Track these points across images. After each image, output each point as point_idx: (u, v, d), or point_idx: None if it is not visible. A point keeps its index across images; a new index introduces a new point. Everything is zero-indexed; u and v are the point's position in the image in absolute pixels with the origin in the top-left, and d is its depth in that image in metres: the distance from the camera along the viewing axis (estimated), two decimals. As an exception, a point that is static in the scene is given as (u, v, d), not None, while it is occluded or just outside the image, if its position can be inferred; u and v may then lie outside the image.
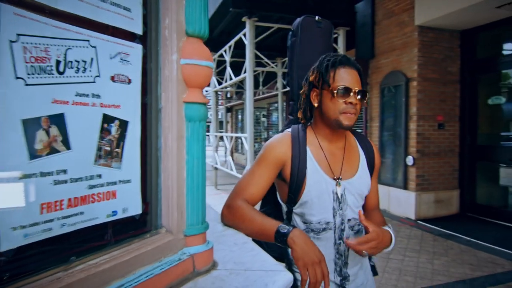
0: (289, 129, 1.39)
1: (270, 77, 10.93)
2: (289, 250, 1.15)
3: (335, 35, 7.16)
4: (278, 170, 1.32)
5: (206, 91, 11.20)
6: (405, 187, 6.16)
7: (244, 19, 6.49)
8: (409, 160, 6.04)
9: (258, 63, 8.15)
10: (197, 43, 0.87)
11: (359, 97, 1.27)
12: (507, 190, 6.10)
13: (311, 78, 1.33)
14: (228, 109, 19.99)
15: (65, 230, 0.65)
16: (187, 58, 0.85)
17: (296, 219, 1.35)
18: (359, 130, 7.80)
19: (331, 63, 1.29)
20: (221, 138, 10.33)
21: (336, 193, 1.31)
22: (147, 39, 0.84)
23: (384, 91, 6.68)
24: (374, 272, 1.50)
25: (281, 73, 9.41)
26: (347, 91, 1.25)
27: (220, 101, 17.92)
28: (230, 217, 1.28)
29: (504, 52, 6.39)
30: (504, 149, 5.73)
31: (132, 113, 0.78)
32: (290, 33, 1.55)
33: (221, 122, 19.89)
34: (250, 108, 6.76)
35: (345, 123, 1.27)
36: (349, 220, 1.33)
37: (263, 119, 14.90)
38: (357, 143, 1.46)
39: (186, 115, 0.86)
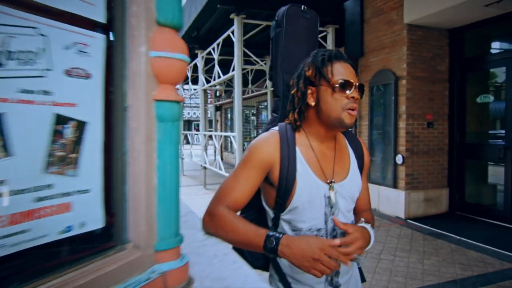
0: (276, 128, 1.29)
1: (259, 75, 10.83)
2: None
3: (324, 33, 7.10)
4: (265, 173, 1.22)
5: (195, 89, 11.07)
6: (395, 186, 6.14)
7: (232, 16, 6.38)
8: (399, 158, 6.01)
9: (247, 61, 8.05)
10: (170, 34, 0.77)
11: (359, 92, 1.20)
12: (495, 188, 6.12)
13: (307, 74, 1.22)
14: (218, 108, 19.84)
15: (6, 252, 0.54)
16: (158, 50, 0.74)
17: (284, 227, 1.26)
18: (351, 129, 7.75)
19: (327, 57, 1.20)
20: (210, 137, 10.21)
21: (329, 197, 1.22)
22: (112, 29, 0.74)
23: (373, 90, 6.64)
24: (362, 278, 1.42)
25: (270, 71, 9.31)
26: (348, 84, 1.17)
27: (209, 100, 17.76)
28: (212, 225, 1.17)
29: (492, 51, 6.41)
30: (493, 147, 5.74)
31: (91, 113, 0.67)
32: (274, 23, 1.45)
33: (210, 121, 19.73)
34: (238, 106, 6.66)
35: (348, 122, 1.18)
36: None
37: (252, 117, 14.79)
38: (347, 141, 1.38)
39: (157, 114, 0.76)
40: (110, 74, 0.72)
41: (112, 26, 0.73)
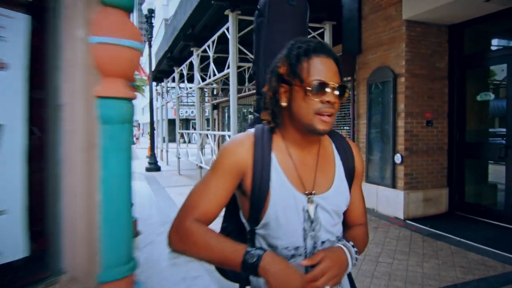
0: (253, 129, 1.14)
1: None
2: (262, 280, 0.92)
3: (321, 30, 6.95)
4: (238, 179, 1.07)
5: (190, 87, 10.90)
6: (394, 185, 6.00)
7: (227, 12, 6.22)
8: (397, 158, 5.88)
9: (243, 59, 7.88)
10: (117, 16, 0.63)
11: (337, 93, 1.02)
12: (496, 187, 5.99)
13: (280, 71, 1.06)
14: (215, 106, 19.69)
15: None
16: (101, 35, 0.61)
17: (261, 242, 1.10)
18: (347, 128, 7.68)
19: (303, 51, 1.02)
20: (207, 136, 10.06)
21: (308, 211, 1.07)
22: (41, 8, 0.59)
23: (371, 88, 6.50)
24: (352, 285, 1.27)
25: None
26: (323, 87, 0.99)
27: (206, 98, 17.59)
28: (180, 243, 1.01)
29: (493, 48, 6.27)
30: (493, 146, 5.61)
31: (9, 113, 0.53)
32: (256, 12, 1.30)
33: (208, 120, 19.58)
34: (234, 105, 6.51)
35: (320, 128, 1.01)
36: (323, 242, 1.09)
37: (250, 116, 14.66)
38: (333, 146, 1.21)
39: (101, 114, 0.62)
40: (37, 65, 0.57)
41: (40, 4, 0.59)
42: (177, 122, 13.16)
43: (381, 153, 6.31)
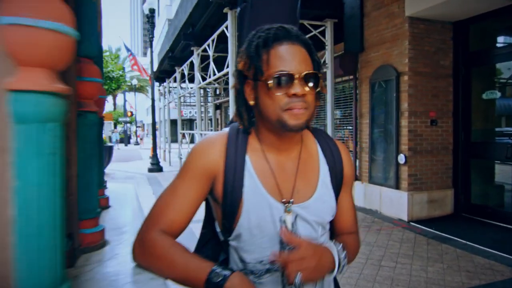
0: (227, 129, 1.02)
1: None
2: None
3: (322, 28, 6.81)
4: (208, 185, 0.96)
5: (191, 87, 10.80)
6: (397, 186, 5.86)
7: (225, 10, 6.12)
8: (401, 158, 5.74)
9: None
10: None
11: (311, 84, 0.89)
12: (503, 188, 5.83)
13: (239, 66, 0.95)
14: (217, 106, 19.60)
15: None
16: (13, 15, 0.49)
17: (234, 255, 0.99)
18: (350, 128, 7.54)
19: (262, 41, 0.91)
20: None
21: (285, 222, 0.95)
22: None
23: (374, 86, 6.36)
24: None
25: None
26: (288, 79, 0.87)
27: (209, 98, 17.50)
28: (142, 256, 0.91)
29: (499, 45, 6.11)
30: (499, 145, 5.45)
31: None
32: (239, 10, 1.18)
33: (212, 120, 19.48)
34: (233, 105, 6.40)
35: (291, 123, 0.88)
36: None
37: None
38: (319, 148, 1.08)
39: (14, 112, 0.51)
40: None
41: None
42: (179, 122, 13.08)
43: (385, 153, 6.17)
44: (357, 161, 6.93)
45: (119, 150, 27.00)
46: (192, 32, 8.47)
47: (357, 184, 6.88)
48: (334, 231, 1.14)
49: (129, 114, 35.75)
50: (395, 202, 5.90)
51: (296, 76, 0.87)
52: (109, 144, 14.70)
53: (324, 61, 6.80)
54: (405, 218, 5.67)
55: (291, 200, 0.96)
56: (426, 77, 5.76)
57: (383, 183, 6.18)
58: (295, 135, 0.98)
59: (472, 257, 4.17)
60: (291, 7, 1.20)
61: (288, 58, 0.88)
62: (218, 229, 1.03)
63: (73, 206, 1.04)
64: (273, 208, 0.95)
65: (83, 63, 1.00)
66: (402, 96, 5.74)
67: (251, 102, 0.95)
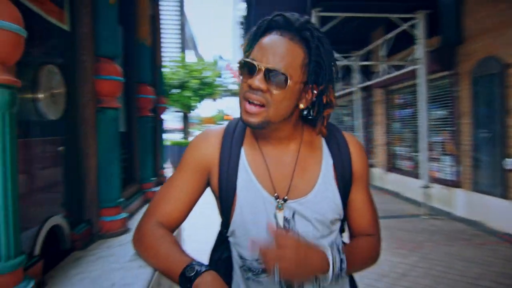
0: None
1: (345, 73, 10.24)
2: None
3: (412, 21, 6.27)
4: (204, 178, 0.95)
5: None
6: (505, 195, 5.08)
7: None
8: (508, 163, 4.96)
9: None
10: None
11: (274, 80, 0.82)
12: None
13: (242, 48, 0.92)
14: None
15: None
16: None
17: (234, 251, 0.96)
18: (448, 129, 6.74)
19: (256, 28, 0.89)
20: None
21: (277, 218, 0.89)
22: None
23: (476, 82, 5.64)
24: None
25: (358, 67, 8.67)
26: (250, 69, 0.83)
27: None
28: (137, 244, 0.94)
29: None
30: None
31: None
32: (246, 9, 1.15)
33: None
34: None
35: (243, 118, 0.85)
36: None
37: (346, 118, 14.01)
38: (323, 142, 0.99)
39: None
40: None
41: None
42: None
43: (489, 157, 5.41)
44: (459, 166, 6.20)
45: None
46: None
47: (457, 191, 6.16)
48: (351, 233, 1.04)
49: (226, 117, 37.71)
50: (501, 214, 5.13)
51: (259, 67, 0.82)
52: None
53: (416, 57, 6.25)
54: (514, 232, 4.88)
55: (285, 197, 0.91)
56: (541, 68, 4.90)
57: (488, 191, 5.42)
58: (276, 129, 0.92)
59: None
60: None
61: (265, 48, 0.84)
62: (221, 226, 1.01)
63: (93, 195, 1.12)
64: (267, 203, 0.91)
65: (102, 63, 1.09)
66: (510, 92, 4.97)
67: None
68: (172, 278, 0.82)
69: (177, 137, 19.04)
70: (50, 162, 0.94)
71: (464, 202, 6.01)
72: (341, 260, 0.86)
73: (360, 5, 6.54)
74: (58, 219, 0.92)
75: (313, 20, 6.02)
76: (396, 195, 8.31)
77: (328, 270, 0.83)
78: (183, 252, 0.85)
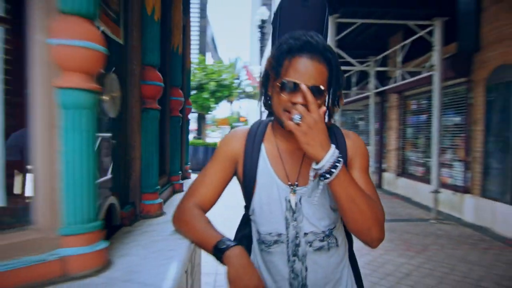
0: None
1: (361, 78, 10.33)
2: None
3: (429, 28, 6.36)
4: (232, 168, 1.19)
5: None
6: (514, 203, 5.15)
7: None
8: (519, 170, 5.03)
9: (345, 63, 7.70)
10: (75, 22, 0.78)
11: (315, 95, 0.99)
12: None
13: (266, 65, 1.11)
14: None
15: None
16: (58, 38, 0.77)
17: (253, 227, 1.20)
18: (461, 135, 6.79)
19: (286, 48, 1.03)
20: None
21: (289, 201, 1.10)
22: (13, 19, 0.78)
23: (490, 89, 5.72)
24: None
25: (374, 72, 8.76)
26: (293, 87, 1.00)
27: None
28: (176, 221, 1.18)
29: None
30: None
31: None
32: (273, 15, 1.33)
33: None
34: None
35: (286, 125, 1.00)
36: (306, 234, 1.10)
37: (360, 122, 14.06)
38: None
39: (61, 101, 0.78)
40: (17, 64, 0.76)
41: (14, 16, 0.78)
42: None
43: (501, 164, 5.48)
44: (469, 172, 6.28)
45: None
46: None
47: (467, 197, 6.24)
48: None
49: (241, 119, 37.81)
50: (510, 220, 5.20)
51: (301, 87, 0.98)
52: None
53: (432, 63, 6.34)
54: (523, 239, 4.96)
55: (296, 183, 1.11)
56: (556, 78, 4.96)
57: (497, 197, 5.50)
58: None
59: None
60: (319, 21, 1.30)
61: (302, 69, 1.00)
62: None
63: (136, 181, 1.34)
64: (280, 188, 1.11)
65: (147, 70, 1.30)
66: (523, 100, 5.04)
67: (270, 94, 1.10)
68: (207, 249, 1.05)
69: (191, 137, 19.38)
70: (107, 152, 1.16)
71: (472, 208, 6.08)
72: (339, 159, 0.97)
73: (378, 12, 6.65)
74: (113, 199, 1.14)
75: (331, 26, 6.17)
76: (407, 200, 8.39)
77: (328, 151, 0.96)
78: (216, 229, 1.08)
